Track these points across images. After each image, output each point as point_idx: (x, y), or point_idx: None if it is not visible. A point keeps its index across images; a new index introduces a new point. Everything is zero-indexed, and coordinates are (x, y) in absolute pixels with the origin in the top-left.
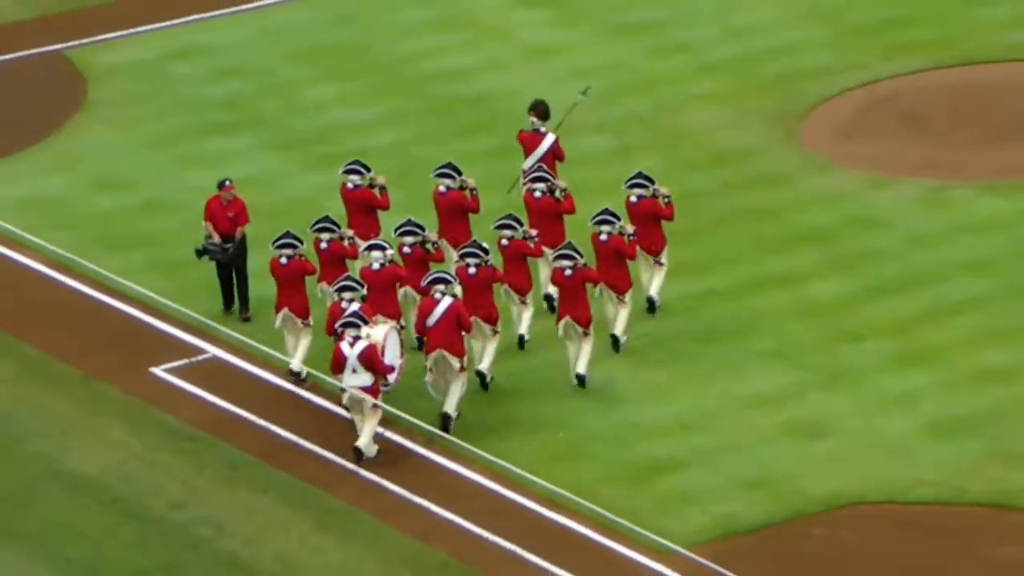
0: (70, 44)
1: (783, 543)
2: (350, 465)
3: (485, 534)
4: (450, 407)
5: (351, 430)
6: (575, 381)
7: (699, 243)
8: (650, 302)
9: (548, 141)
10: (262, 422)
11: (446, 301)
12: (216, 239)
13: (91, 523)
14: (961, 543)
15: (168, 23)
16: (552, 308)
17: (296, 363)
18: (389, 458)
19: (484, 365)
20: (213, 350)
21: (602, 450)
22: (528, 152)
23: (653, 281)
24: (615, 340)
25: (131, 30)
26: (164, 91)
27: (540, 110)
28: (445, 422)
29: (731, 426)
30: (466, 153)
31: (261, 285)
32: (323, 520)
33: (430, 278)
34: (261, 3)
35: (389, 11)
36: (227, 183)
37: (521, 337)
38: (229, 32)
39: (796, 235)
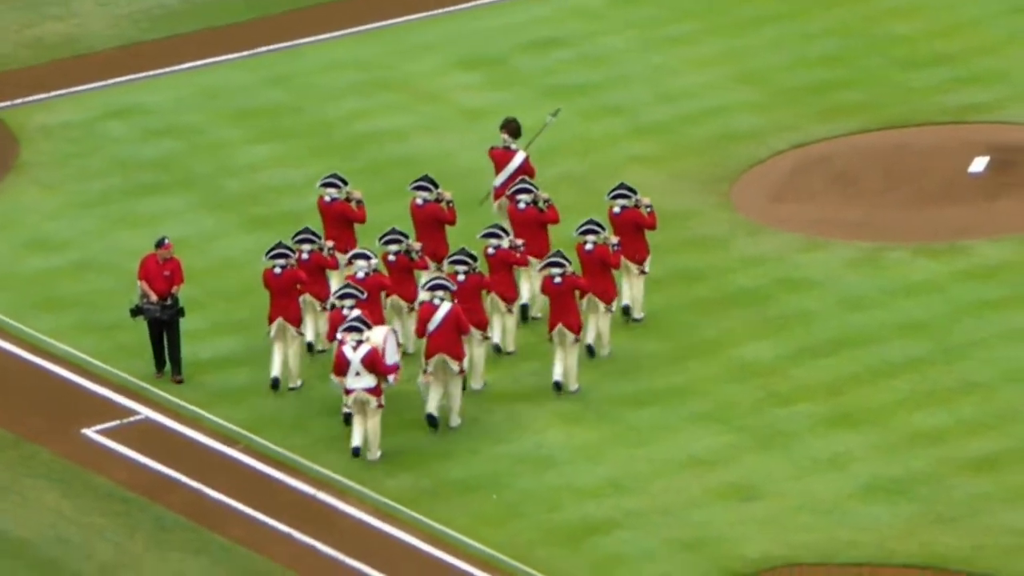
0: (2, 105)
1: None
2: (283, 527)
3: None
4: (437, 409)
5: (343, 433)
6: (577, 385)
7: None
8: (626, 310)
9: (519, 158)
10: (194, 483)
11: (445, 306)
12: (153, 298)
13: None
14: None
15: (102, 83)
16: (525, 318)
17: (277, 370)
18: (323, 520)
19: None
20: (145, 411)
21: (536, 511)
22: (499, 168)
23: (633, 290)
24: (590, 349)
25: (65, 90)
26: (97, 151)
27: (511, 127)
28: (432, 422)
29: (665, 488)
30: (401, 214)
31: (192, 347)
32: None
33: (430, 283)
34: (195, 63)
35: (322, 73)
36: (166, 241)
37: (497, 347)
38: (163, 92)
39: (729, 297)
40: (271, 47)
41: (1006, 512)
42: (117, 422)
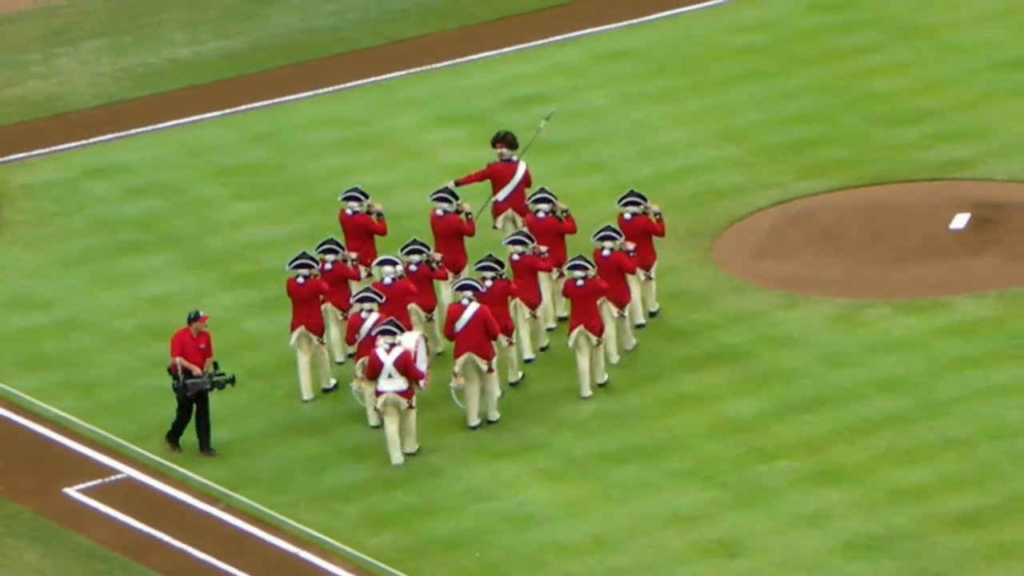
0: None
1: None
2: None
3: None
4: (486, 413)
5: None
6: (591, 392)
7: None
8: (651, 315)
9: (521, 170)
10: (177, 543)
11: (473, 307)
12: (196, 371)
13: None
14: None
15: (84, 142)
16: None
17: (307, 391)
18: None
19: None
20: (127, 470)
21: (520, 569)
22: (502, 183)
23: (648, 295)
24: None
25: (47, 149)
26: (79, 210)
27: (508, 140)
28: (475, 428)
29: (648, 544)
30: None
31: (173, 405)
32: None
33: (459, 284)
34: (176, 121)
35: (304, 130)
36: (201, 315)
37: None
38: (144, 150)
39: (710, 354)
40: (252, 105)
41: (988, 569)
42: (99, 481)
